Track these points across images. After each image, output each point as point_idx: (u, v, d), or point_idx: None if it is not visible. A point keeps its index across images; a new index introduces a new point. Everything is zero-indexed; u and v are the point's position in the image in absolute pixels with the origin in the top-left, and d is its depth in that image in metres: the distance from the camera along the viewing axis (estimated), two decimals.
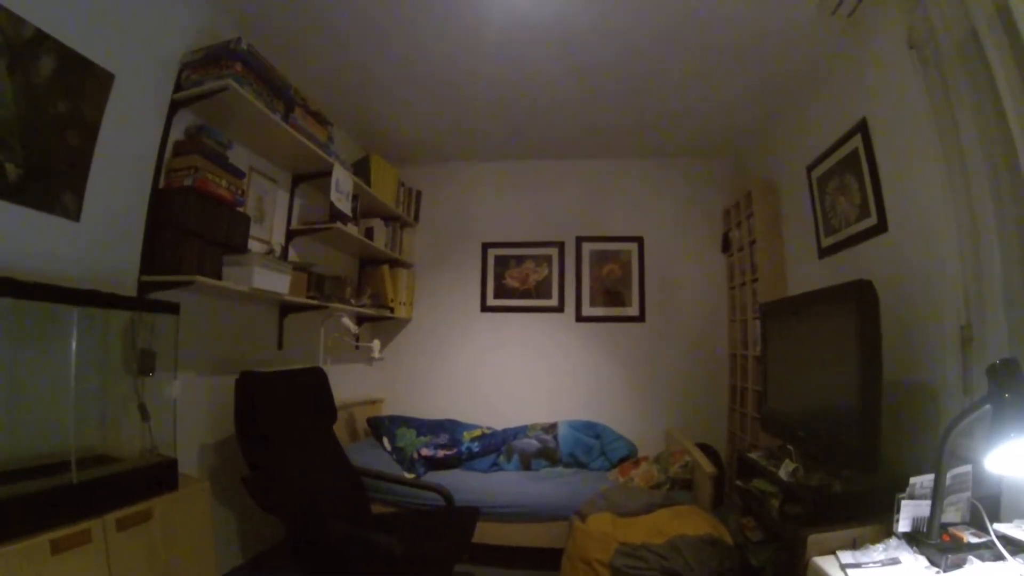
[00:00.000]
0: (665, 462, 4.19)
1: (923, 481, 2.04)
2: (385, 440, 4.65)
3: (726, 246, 5.53)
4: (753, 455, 3.43)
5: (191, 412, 3.32)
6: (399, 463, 4.36)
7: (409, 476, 4.18)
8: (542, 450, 4.60)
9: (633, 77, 4.27)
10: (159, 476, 2.57)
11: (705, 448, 4.82)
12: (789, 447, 3.19)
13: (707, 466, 3.80)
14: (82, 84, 2.69)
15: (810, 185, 4.01)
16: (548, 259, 5.94)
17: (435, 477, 4.18)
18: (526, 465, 4.51)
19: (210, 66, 3.23)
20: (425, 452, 4.40)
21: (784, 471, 2.94)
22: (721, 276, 5.64)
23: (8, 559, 1.82)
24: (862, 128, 3.36)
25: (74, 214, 2.67)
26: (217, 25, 3.57)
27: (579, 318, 5.79)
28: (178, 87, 3.26)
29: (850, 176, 3.50)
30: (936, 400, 2.68)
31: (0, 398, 2.19)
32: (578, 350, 5.71)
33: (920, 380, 2.80)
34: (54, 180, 2.56)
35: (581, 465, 4.63)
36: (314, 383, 3.86)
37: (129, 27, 2.97)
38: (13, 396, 2.27)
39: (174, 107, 3.23)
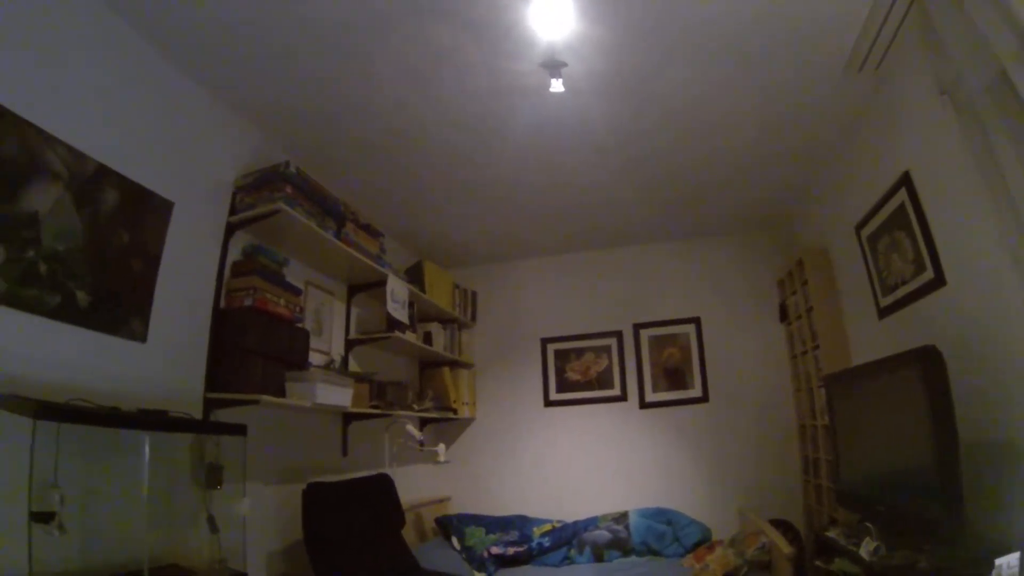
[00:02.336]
0: (741, 545, 3.94)
1: (1009, 561, 1.86)
2: (454, 539, 4.50)
3: (783, 316, 5.35)
4: (831, 533, 3.24)
5: (259, 521, 3.25)
6: (469, 562, 4.21)
7: (479, 575, 4.03)
8: (614, 540, 4.41)
9: (667, 167, 4.29)
10: None
11: (782, 524, 4.57)
12: (868, 524, 2.98)
13: (784, 546, 3.56)
14: (143, 213, 2.78)
15: (861, 245, 3.85)
16: (607, 349, 5.83)
17: (506, 575, 4.03)
18: (598, 557, 4.32)
19: (262, 189, 3.32)
20: (495, 550, 4.26)
21: (865, 550, 2.74)
22: (781, 347, 5.44)
23: None
24: (906, 181, 3.21)
25: (141, 336, 2.72)
26: (266, 149, 3.68)
27: (643, 405, 5.63)
28: (233, 210, 3.34)
29: (900, 232, 3.33)
30: (1021, 457, 2.47)
31: (74, 509, 2.18)
32: (644, 436, 5.52)
33: (1002, 438, 2.58)
34: (121, 305, 2.63)
35: (654, 553, 4.40)
36: (381, 489, 3.81)
37: (186, 157, 3.10)
38: (87, 507, 2.30)
39: (230, 229, 3.31)
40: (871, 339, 3.89)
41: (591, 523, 4.71)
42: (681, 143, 3.94)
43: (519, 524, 4.91)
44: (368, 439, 4.45)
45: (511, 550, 4.29)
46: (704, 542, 4.39)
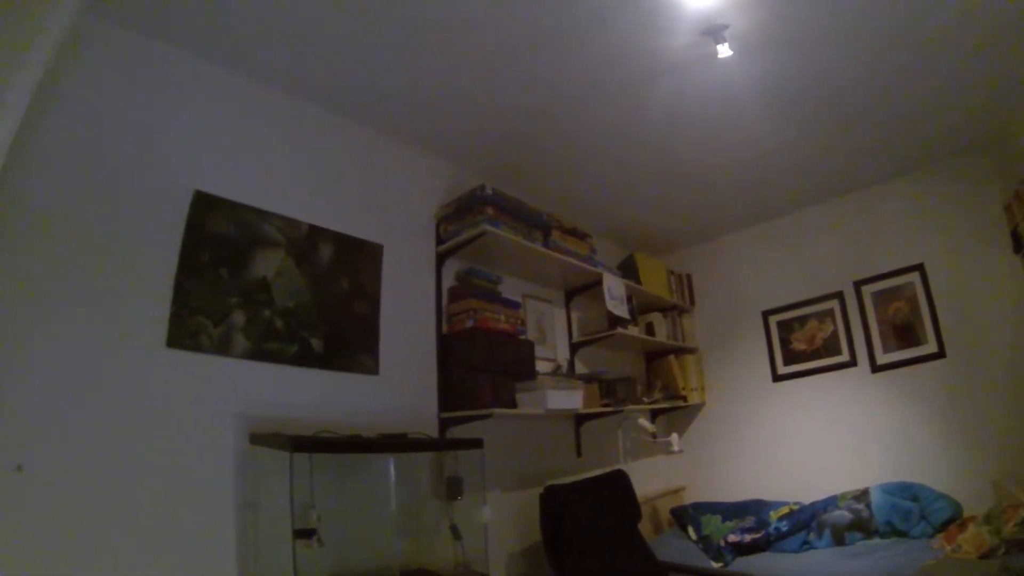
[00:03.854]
0: (997, 520, 3.41)
1: None
2: (690, 529, 4.39)
3: (1018, 246, 4.46)
4: None
5: (498, 526, 3.38)
6: (705, 552, 4.08)
7: (716, 565, 3.90)
8: (855, 521, 4.03)
9: (853, 103, 3.78)
10: None
11: None
12: None
13: None
14: (357, 260, 3.04)
15: None
16: (830, 312, 5.29)
17: (743, 563, 3.88)
18: (839, 540, 3.96)
19: (464, 215, 3.45)
20: (732, 538, 4.08)
21: None
22: (1022, 281, 4.46)
23: None
24: None
25: (372, 370, 2.97)
26: (460, 177, 3.83)
27: (874, 368, 5.01)
28: (439, 240, 3.53)
29: None
30: None
31: (330, 525, 2.40)
32: (878, 403, 4.92)
33: None
34: (351, 345, 2.89)
35: (900, 534, 3.92)
36: (616, 485, 3.80)
37: (385, 201, 3.34)
38: (340, 522, 2.53)
39: (440, 258, 3.51)
40: None
41: (830, 503, 4.35)
42: (862, 68, 3.38)
43: (755, 509, 4.66)
44: (601, 437, 4.49)
45: (748, 537, 4.09)
46: (955, 519, 3.84)
